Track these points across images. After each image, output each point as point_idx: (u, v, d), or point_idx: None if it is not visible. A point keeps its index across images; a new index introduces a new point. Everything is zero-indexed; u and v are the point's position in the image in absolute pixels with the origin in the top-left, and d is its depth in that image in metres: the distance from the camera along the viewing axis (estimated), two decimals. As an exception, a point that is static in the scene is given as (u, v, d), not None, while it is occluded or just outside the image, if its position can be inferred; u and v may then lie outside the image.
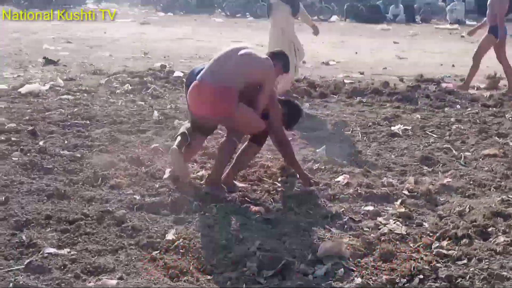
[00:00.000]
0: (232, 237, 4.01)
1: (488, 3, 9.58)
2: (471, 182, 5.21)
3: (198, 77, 4.76)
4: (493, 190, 5.04)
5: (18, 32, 16.28)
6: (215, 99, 4.63)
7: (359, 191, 4.89)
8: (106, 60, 12.55)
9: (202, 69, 4.85)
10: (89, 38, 16.63)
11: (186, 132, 5.05)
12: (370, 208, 4.60)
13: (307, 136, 6.71)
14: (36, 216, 4.17)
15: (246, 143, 5.06)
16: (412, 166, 5.71)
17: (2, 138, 6.00)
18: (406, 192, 4.94)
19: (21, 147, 5.70)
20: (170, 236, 3.94)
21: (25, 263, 3.49)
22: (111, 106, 7.90)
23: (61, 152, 5.66)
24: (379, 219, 4.39)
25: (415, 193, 4.91)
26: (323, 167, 5.52)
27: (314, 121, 7.60)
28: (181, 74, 9.91)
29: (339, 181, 5.14)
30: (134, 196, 4.66)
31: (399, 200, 4.75)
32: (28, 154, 5.52)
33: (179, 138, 5.04)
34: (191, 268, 3.59)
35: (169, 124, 6.95)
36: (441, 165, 5.76)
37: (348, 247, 3.83)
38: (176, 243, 3.84)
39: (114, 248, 3.79)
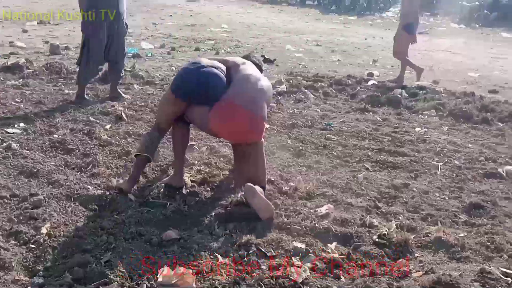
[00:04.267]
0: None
1: None
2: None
3: (240, 102, 4.40)
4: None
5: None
6: (257, 128, 4.51)
7: (322, 225, 4.11)
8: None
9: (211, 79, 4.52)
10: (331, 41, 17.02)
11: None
12: (301, 246, 3.80)
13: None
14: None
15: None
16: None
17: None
18: (375, 238, 3.99)
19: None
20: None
21: None
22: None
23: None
24: (294, 260, 3.60)
25: (385, 242, 3.94)
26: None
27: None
28: None
29: (317, 211, 4.39)
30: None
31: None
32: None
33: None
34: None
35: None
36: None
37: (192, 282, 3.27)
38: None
39: None
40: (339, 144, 6.25)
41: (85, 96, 7.52)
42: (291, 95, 8.66)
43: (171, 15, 21.07)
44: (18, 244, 3.64)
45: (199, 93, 4.49)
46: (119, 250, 3.63)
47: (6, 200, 4.22)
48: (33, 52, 11.28)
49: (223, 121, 4.42)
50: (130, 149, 5.45)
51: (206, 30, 17.17)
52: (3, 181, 4.54)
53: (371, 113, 7.93)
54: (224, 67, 4.66)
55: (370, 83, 10.10)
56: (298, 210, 4.38)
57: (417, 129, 7.15)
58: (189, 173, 5.02)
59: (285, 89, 8.92)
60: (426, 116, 7.90)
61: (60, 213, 4.11)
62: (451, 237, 4.06)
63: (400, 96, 8.83)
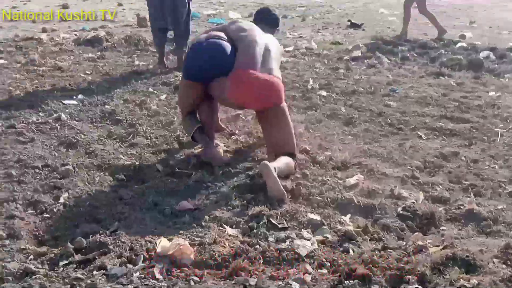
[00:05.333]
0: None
1: None
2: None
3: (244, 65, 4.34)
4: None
5: None
6: (274, 90, 4.36)
7: (345, 196, 3.91)
8: None
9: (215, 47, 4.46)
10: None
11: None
12: (316, 218, 3.62)
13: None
14: None
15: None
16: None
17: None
18: (400, 210, 3.76)
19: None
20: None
21: None
22: None
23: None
24: (304, 232, 3.45)
25: (410, 214, 3.70)
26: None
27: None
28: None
29: (345, 182, 4.17)
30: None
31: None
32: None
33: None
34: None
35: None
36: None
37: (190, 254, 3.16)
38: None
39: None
40: (398, 111, 5.94)
41: (164, 61, 7.64)
42: (365, 61, 8.33)
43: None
44: (35, 213, 3.73)
45: (210, 68, 4.44)
46: (131, 221, 3.64)
47: (37, 170, 4.33)
48: (122, 25, 11.58)
49: (239, 88, 4.31)
50: (175, 119, 5.45)
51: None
52: (41, 152, 4.67)
53: (446, 77, 7.48)
54: (223, 35, 4.56)
55: (457, 45, 9.54)
56: (325, 181, 4.20)
57: (491, 93, 6.66)
58: (224, 143, 4.95)
59: (360, 54, 8.59)
60: (507, 80, 7.34)
61: (86, 183, 4.17)
62: (484, 209, 3.75)
63: (483, 58, 8.25)
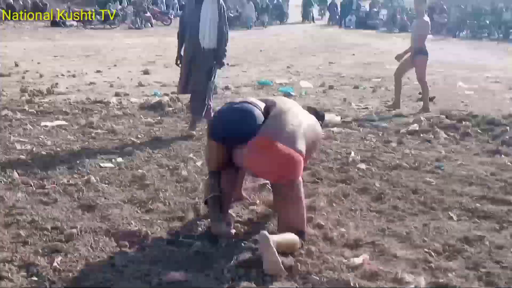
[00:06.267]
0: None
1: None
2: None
3: (264, 133, 4.22)
4: None
5: None
6: (292, 164, 4.18)
7: (342, 278, 3.72)
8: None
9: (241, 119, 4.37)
10: None
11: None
12: None
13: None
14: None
15: None
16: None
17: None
18: None
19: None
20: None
21: None
22: None
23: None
24: None
25: None
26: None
27: None
28: None
29: (349, 262, 3.97)
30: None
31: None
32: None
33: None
34: None
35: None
36: None
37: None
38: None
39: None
40: (436, 189, 5.64)
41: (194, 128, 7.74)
42: (421, 135, 8.05)
43: (353, 54, 20.95)
44: (26, 276, 3.74)
45: (232, 131, 4.34)
46: (115, 290, 3.59)
47: (45, 232, 4.39)
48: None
49: (256, 156, 4.18)
50: (200, 186, 5.41)
51: (381, 68, 16.75)
52: (57, 213, 4.75)
53: (503, 155, 7.07)
54: (261, 104, 4.47)
55: (528, 123, 9.06)
56: (327, 259, 4.00)
57: (546, 175, 6.23)
58: (237, 213, 4.85)
59: (417, 128, 8.33)
60: None
61: (89, 247, 4.17)
62: (490, 302, 3.45)
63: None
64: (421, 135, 8.06)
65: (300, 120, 4.36)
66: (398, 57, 10.65)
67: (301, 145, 4.22)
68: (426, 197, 5.40)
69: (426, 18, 10.49)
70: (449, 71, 16.47)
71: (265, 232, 3.81)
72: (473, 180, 5.95)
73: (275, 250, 3.74)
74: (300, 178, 4.27)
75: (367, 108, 10.47)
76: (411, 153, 7.05)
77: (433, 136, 7.95)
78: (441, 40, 28.05)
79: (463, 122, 8.83)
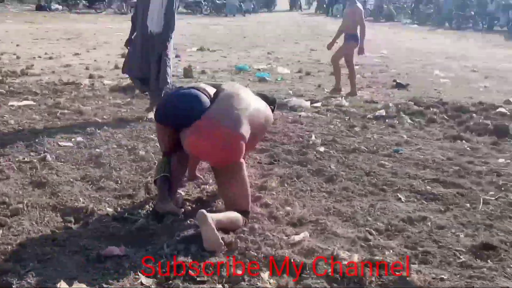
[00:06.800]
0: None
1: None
2: None
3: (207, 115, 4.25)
4: None
5: None
6: (233, 146, 4.19)
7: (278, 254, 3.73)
8: None
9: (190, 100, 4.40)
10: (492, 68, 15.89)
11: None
12: (239, 272, 3.47)
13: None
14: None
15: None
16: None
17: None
18: (329, 271, 3.53)
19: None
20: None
21: None
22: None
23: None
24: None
25: (338, 277, 3.51)
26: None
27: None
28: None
29: (289, 239, 4.01)
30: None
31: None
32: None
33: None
34: None
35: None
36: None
37: None
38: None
39: None
40: (389, 171, 5.70)
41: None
42: (386, 120, 8.11)
43: (337, 42, 20.93)
44: (-35, 248, 3.77)
45: (177, 115, 4.38)
46: (52, 263, 3.61)
47: (-7, 207, 4.42)
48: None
49: (196, 138, 4.20)
50: (154, 165, 5.44)
51: (361, 56, 16.74)
52: (7, 189, 4.76)
53: (464, 141, 7.14)
54: (211, 90, 4.52)
55: (497, 110, 9.13)
56: (268, 236, 4.05)
57: (501, 160, 6.30)
58: (186, 191, 4.89)
59: (383, 114, 8.38)
60: (530, 149, 6.93)
61: (33, 223, 4.19)
62: (420, 277, 3.50)
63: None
64: (386, 120, 8.12)
65: (246, 104, 4.37)
66: (329, 46, 11.21)
67: (244, 129, 4.22)
68: (379, 179, 5.46)
69: (359, 4, 10.86)
70: (429, 60, 16.59)
71: (203, 211, 3.84)
72: (428, 164, 6.02)
73: (213, 227, 3.79)
74: (241, 160, 4.30)
75: (340, 94, 10.50)
76: (373, 138, 7.11)
77: (397, 122, 8.01)
78: (427, 31, 28.16)
79: (431, 109, 8.89)
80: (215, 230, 3.79)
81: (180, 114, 4.36)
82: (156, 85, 7.54)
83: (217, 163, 4.31)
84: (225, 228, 4.01)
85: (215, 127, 4.15)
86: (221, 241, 3.81)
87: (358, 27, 10.54)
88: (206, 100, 4.39)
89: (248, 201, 4.32)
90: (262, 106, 4.58)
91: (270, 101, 4.92)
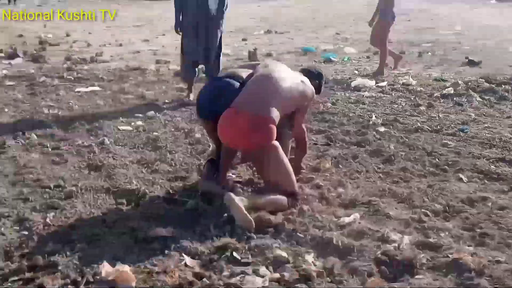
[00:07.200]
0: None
1: None
2: None
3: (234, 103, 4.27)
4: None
5: None
6: (259, 129, 4.16)
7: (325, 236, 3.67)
8: None
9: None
10: None
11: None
12: (283, 254, 3.44)
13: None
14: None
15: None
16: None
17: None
18: (378, 254, 3.44)
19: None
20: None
21: None
22: None
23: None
24: (262, 269, 3.30)
25: (386, 259, 3.39)
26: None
27: None
28: None
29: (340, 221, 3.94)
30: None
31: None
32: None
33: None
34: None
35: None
36: None
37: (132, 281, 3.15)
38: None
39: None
40: (453, 151, 5.47)
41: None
42: (454, 98, 7.80)
43: (409, 20, 20.39)
44: (18, 230, 3.85)
45: (211, 109, 4.43)
46: (100, 243, 3.65)
47: (47, 190, 4.51)
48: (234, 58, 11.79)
49: (223, 128, 4.25)
50: (210, 148, 5.43)
51: (434, 33, 16.27)
52: (64, 173, 4.86)
53: (537, 118, 6.78)
54: (245, 73, 4.53)
55: None
56: (317, 218, 3.96)
57: None
58: (237, 173, 4.85)
59: (452, 92, 8.07)
60: None
61: (86, 205, 4.26)
62: (475, 260, 3.33)
63: None
64: (455, 98, 7.80)
65: (276, 84, 4.28)
66: (370, 23, 10.44)
67: (271, 111, 4.16)
68: (440, 159, 5.25)
69: None
70: (505, 37, 15.85)
71: (230, 193, 3.92)
72: (495, 143, 5.75)
73: (242, 207, 3.82)
74: (275, 142, 4.20)
75: (407, 73, 10.19)
76: (438, 116, 6.85)
77: (466, 100, 7.68)
78: (507, 6, 26.97)
79: (503, 86, 8.49)
80: (244, 209, 3.82)
81: (212, 108, 4.40)
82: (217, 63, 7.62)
83: (246, 149, 4.34)
84: (264, 209, 3.99)
85: (238, 114, 4.15)
86: (250, 218, 3.82)
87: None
88: (235, 88, 4.41)
89: (291, 183, 4.23)
90: (295, 84, 4.43)
91: (315, 76, 4.80)
